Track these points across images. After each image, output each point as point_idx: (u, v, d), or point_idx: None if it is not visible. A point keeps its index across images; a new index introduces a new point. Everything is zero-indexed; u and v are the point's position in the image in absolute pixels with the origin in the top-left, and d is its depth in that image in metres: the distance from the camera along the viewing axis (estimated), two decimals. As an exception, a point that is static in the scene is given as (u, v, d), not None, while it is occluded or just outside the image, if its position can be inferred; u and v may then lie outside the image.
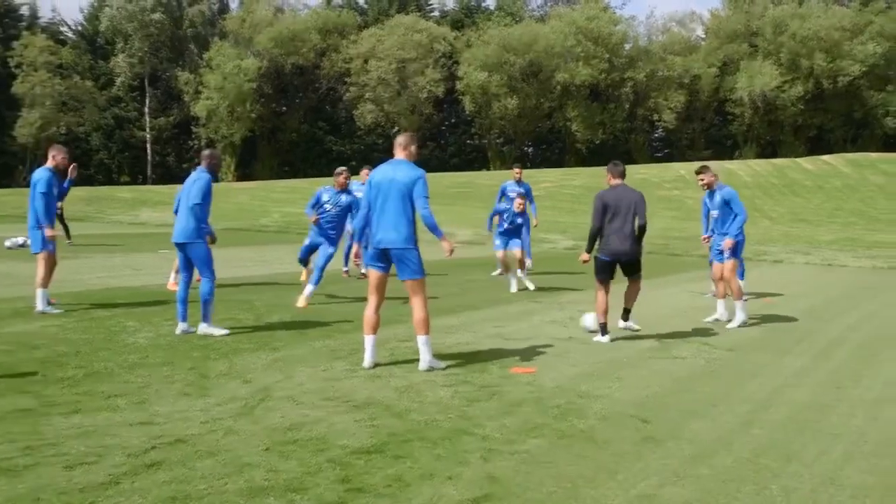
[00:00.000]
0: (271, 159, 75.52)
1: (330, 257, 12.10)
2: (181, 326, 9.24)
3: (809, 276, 18.43)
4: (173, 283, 13.26)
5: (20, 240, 20.81)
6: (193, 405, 6.25)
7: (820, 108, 70.54)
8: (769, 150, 72.04)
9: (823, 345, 9.71)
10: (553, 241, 26.85)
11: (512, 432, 5.74)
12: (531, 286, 14.36)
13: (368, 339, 7.72)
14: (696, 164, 48.25)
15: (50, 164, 10.96)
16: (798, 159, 56.62)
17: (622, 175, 9.49)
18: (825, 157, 55.69)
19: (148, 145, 75.27)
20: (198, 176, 9.27)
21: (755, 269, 19.04)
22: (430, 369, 7.56)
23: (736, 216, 10.90)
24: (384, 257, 7.59)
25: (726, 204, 10.99)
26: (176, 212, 9.71)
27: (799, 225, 35.44)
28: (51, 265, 10.90)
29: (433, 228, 7.52)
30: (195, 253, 9.19)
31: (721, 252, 11.08)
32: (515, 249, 14.38)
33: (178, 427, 5.67)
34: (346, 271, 15.69)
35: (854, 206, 40.44)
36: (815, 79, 68.71)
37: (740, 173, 49.09)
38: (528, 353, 8.60)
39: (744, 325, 10.81)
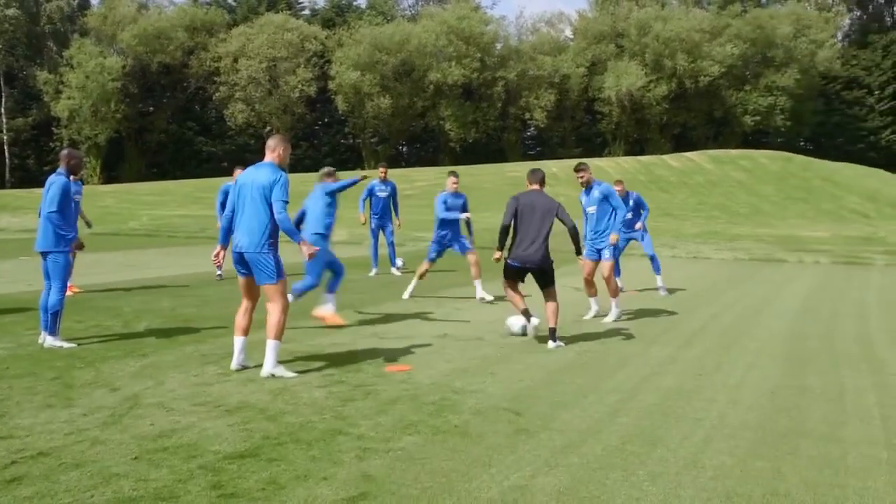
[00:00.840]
0: (138, 161, 73.29)
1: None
2: (43, 336, 8.88)
3: (675, 269, 19.13)
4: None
5: None
6: (57, 416, 6.03)
7: (683, 106, 73.33)
8: (637, 147, 74.39)
9: (688, 334, 10.11)
10: (427, 239, 26.99)
11: (387, 430, 5.77)
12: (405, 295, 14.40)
13: (237, 341, 7.62)
14: (569, 162, 49.01)
15: None
16: (664, 156, 58.75)
17: (541, 182, 9.38)
18: (689, 154, 57.96)
19: (5, 147, 71.90)
20: (53, 180, 8.88)
21: (625, 262, 19.64)
22: (272, 377, 7.31)
23: (615, 211, 11.02)
24: (243, 261, 7.48)
25: (605, 199, 11.03)
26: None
27: (665, 219, 36.74)
28: None
29: (290, 233, 7.42)
30: (53, 262, 8.81)
31: (599, 251, 11.13)
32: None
33: (41, 440, 5.47)
34: (220, 275, 15.40)
35: (716, 201, 42.21)
36: (678, 79, 71.38)
37: (609, 170, 50.51)
38: (404, 352, 8.65)
39: (618, 319, 11.14)
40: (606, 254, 11.07)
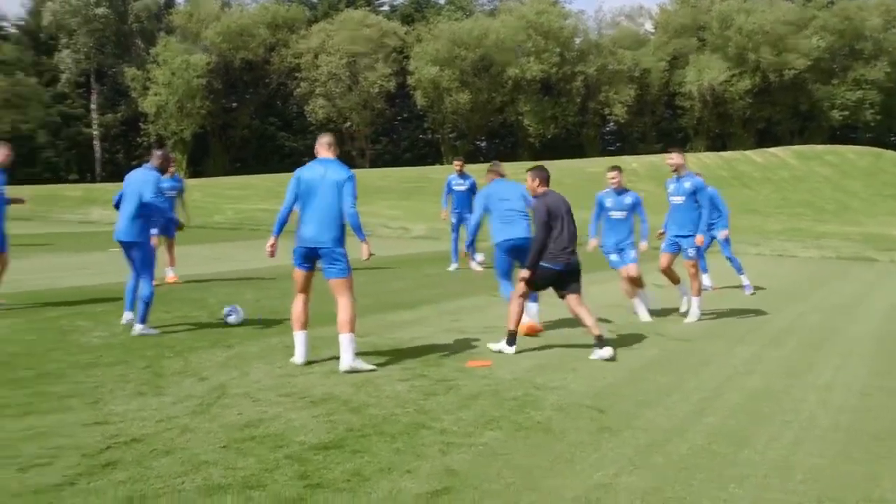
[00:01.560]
0: (222, 156, 74.76)
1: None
2: (126, 316, 9.39)
3: (760, 267, 18.72)
4: (173, 276, 13.91)
5: None
6: (149, 404, 6.19)
7: (767, 101, 71.66)
8: (719, 142, 73.05)
9: (774, 333, 9.89)
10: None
11: (469, 425, 5.78)
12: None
13: (300, 336, 7.66)
14: (650, 158, 48.40)
15: None
16: (747, 151, 57.50)
17: (548, 181, 9.02)
18: (773, 150, 56.63)
19: (96, 142, 74.09)
20: (143, 174, 9.24)
21: (707, 258, 19.32)
22: (352, 370, 7.34)
23: (701, 209, 10.52)
24: (310, 255, 7.55)
25: (693, 193, 10.55)
26: (116, 206, 9.55)
27: (748, 216, 35.99)
28: (2, 264, 10.85)
29: (358, 229, 7.51)
30: (140, 253, 9.18)
31: (679, 245, 10.64)
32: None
33: (134, 426, 5.62)
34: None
35: (801, 197, 41.18)
36: (762, 72, 69.77)
37: (690, 166, 49.66)
38: (485, 347, 8.64)
39: (699, 319, 10.80)
40: (691, 252, 10.58)
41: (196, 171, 70.98)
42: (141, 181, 9.20)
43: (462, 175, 16.59)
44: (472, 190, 16.74)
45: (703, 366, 7.91)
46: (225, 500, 4.34)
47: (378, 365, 7.59)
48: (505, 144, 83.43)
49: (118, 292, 12.41)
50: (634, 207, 10.79)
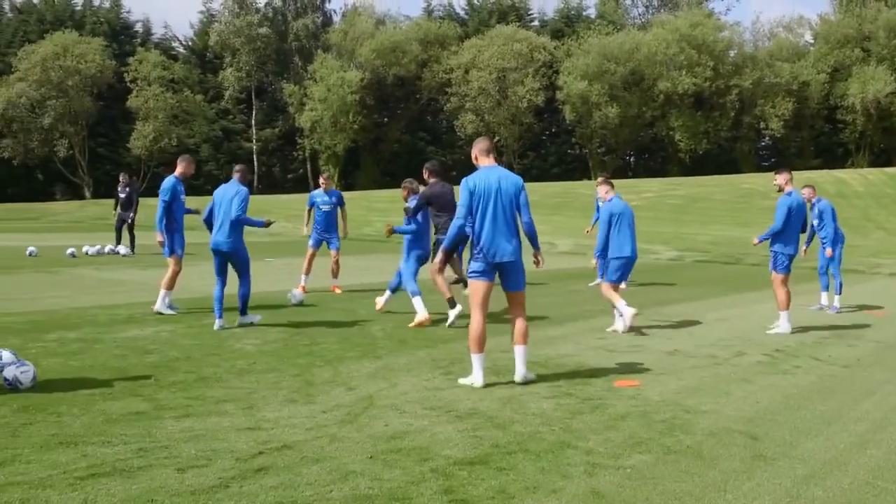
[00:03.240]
0: (373, 169, 76.56)
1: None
2: (217, 323, 10.12)
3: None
4: (302, 286, 14.34)
5: (104, 248, 22.04)
6: (299, 411, 6.34)
7: (937, 114, 67.74)
8: (883, 158, 69.48)
9: (945, 362, 9.26)
10: (656, 251, 26.40)
11: (616, 446, 5.64)
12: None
13: (479, 359, 7.41)
14: (806, 174, 46.69)
15: (178, 172, 11.58)
16: (914, 168, 54.45)
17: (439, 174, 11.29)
18: (943, 166, 53.38)
19: (254, 156, 77.23)
20: (237, 189, 10.27)
21: (868, 281, 18.37)
22: (525, 381, 7.45)
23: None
24: (499, 268, 7.40)
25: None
26: (206, 221, 10.60)
27: (916, 236, 34.01)
28: (176, 270, 11.57)
29: (534, 237, 7.52)
30: (238, 260, 10.32)
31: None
32: None
33: (285, 433, 5.76)
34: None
35: (975, 217, 38.59)
36: (932, 84, 66.02)
37: (852, 182, 47.42)
38: (632, 366, 8.46)
39: (785, 332, 10.82)
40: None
41: (347, 183, 72.89)
42: (231, 196, 9.90)
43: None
44: None
45: (866, 395, 7.48)
46: (371, 511, 4.38)
47: (524, 382, 7.53)
48: (655, 160, 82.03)
49: (273, 300, 12.88)
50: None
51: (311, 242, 14.79)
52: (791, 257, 10.97)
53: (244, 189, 10.24)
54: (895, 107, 66.39)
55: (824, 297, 13.64)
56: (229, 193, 10.18)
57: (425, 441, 5.65)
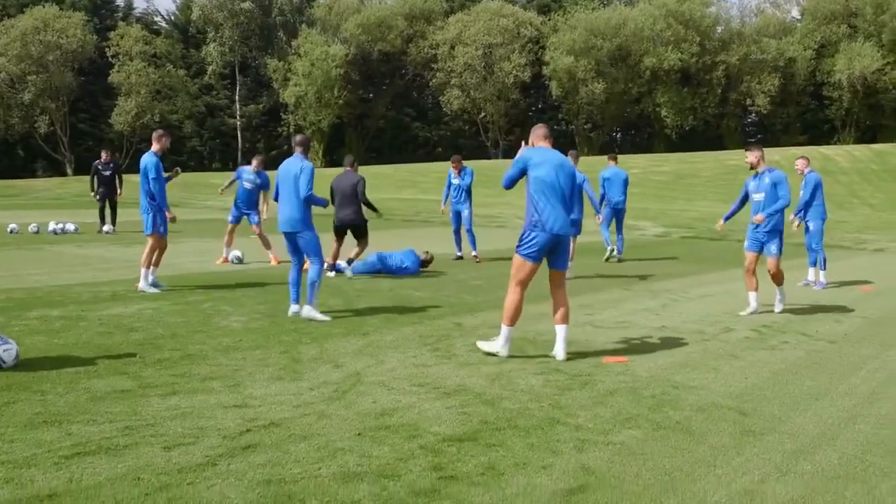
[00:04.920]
0: (358, 145, 76.26)
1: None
2: (293, 308, 9.57)
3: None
4: (225, 258, 15.27)
5: (68, 225, 21.74)
6: (286, 389, 6.32)
7: (924, 90, 67.92)
8: (869, 134, 69.74)
9: (931, 337, 9.31)
10: (642, 227, 26.44)
11: (605, 422, 5.64)
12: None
13: (508, 332, 7.59)
14: (794, 151, 46.83)
15: (155, 148, 11.39)
16: (900, 144, 54.64)
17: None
18: (929, 142, 53.60)
19: (238, 132, 76.81)
20: (301, 165, 9.49)
21: (854, 257, 18.44)
22: (566, 359, 7.54)
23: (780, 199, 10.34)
24: (553, 244, 7.51)
25: (774, 187, 10.33)
26: (276, 198, 9.83)
27: (901, 213, 34.19)
28: (161, 247, 11.46)
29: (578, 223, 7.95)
30: (304, 240, 9.51)
31: (762, 242, 10.53)
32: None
33: (272, 410, 5.74)
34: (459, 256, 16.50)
35: (960, 193, 38.86)
36: (919, 60, 66.17)
37: (838, 159, 47.62)
38: (620, 342, 8.47)
39: (783, 309, 10.71)
40: (773, 248, 10.49)
41: (332, 160, 72.61)
42: (295, 173, 9.39)
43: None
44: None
45: (853, 370, 7.51)
46: (360, 488, 4.36)
47: (512, 357, 7.53)
48: (641, 136, 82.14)
49: (260, 277, 12.85)
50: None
51: (230, 218, 15.60)
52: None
53: (308, 164, 9.54)
54: (881, 83, 66.55)
55: (811, 273, 13.67)
56: (293, 170, 9.53)
57: (414, 418, 5.63)
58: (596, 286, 13.01)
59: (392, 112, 79.03)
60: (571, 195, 7.64)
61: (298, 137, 9.89)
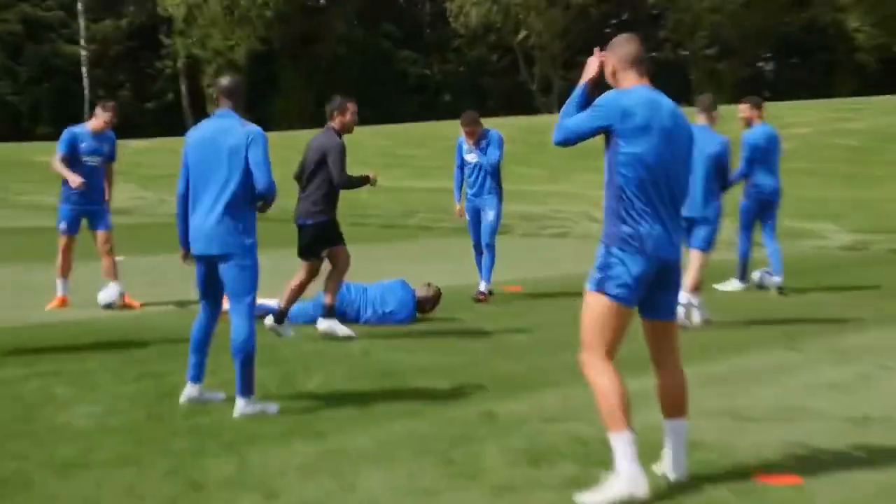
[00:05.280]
0: (301, 92, 76.62)
1: None
2: (190, 391, 9.69)
3: None
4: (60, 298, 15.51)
5: None
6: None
7: None
8: None
9: None
10: (819, 234, 26.45)
11: None
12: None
13: (627, 441, 7.25)
14: None
15: None
16: None
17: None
18: None
19: (83, 69, 77.14)
20: (244, 131, 9.65)
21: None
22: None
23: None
24: (650, 278, 7.45)
25: None
26: (182, 197, 9.88)
27: None
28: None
29: None
30: (235, 272, 9.61)
31: None
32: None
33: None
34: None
35: None
36: None
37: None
38: (786, 446, 8.43)
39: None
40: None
41: (256, 118, 72.51)
42: (229, 148, 9.44)
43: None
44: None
45: None
46: None
47: (584, 475, 7.46)
48: (811, 66, 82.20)
49: (127, 332, 12.84)
50: None
51: (61, 225, 15.58)
52: None
53: (255, 129, 9.78)
54: None
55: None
56: (225, 142, 9.42)
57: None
58: (737, 343, 12.97)
59: (359, 31, 79.36)
60: (685, 185, 7.66)
61: (224, 81, 9.91)
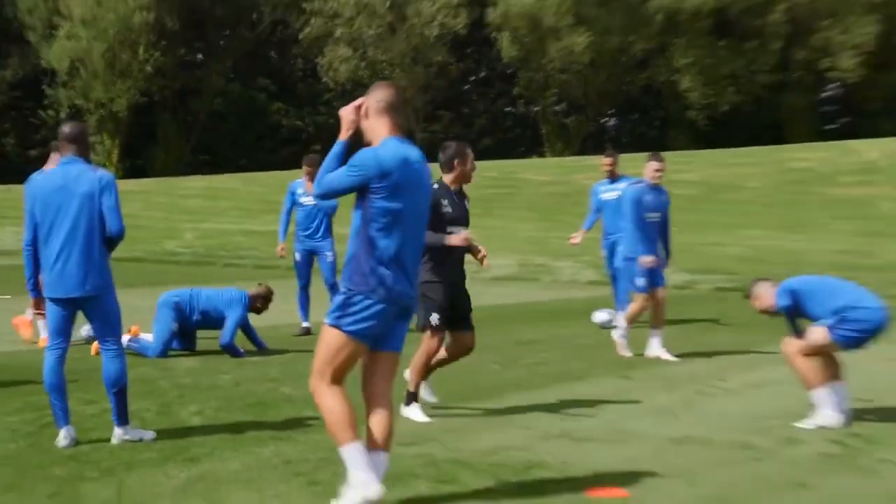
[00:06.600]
0: (179, 142, 75.90)
1: None
2: (65, 436, 9.26)
3: None
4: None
5: None
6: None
7: None
8: None
9: None
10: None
11: None
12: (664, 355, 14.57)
13: (359, 450, 7.24)
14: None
15: None
16: None
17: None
18: None
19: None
20: (96, 176, 9.35)
21: None
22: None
23: None
24: (389, 317, 7.43)
25: None
26: (29, 244, 9.73)
27: None
28: None
29: None
30: (104, 310, 9.49)
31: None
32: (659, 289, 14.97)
33: None
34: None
35: None
36: None
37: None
38: (615, 464, 8.63)
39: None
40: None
41: (136, 166, 72.10)
42: (84, 194, 9.28)
43: (614, 179, 17.09)
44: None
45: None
46: None
47: (436, 494, 7.61)
48: (649, 123, 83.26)
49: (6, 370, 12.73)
50: None
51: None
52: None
53: (106, 175, 9.44)
54: None
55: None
56: (78, 189, 9.21)
57: None
58: (576, 373, 13.22)
59: (235, 84, 78.92)
60: (423, 234, 7.71)
61: (67, 128, 9.57)
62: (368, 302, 7.11)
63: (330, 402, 7.22)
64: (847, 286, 10.68)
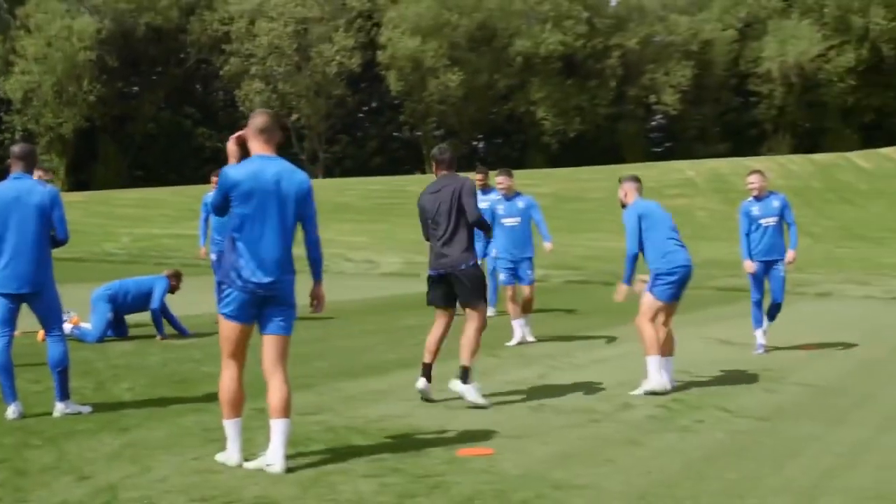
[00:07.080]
0: (117, 160, 74.87)
1: None
2: (14, 410, 9.10)
3: (868, 315, 18.69)
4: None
5: None
6: (5, 514, 6.13)
7: (879, 83, 71.43)
8: (808, 141, 73.09)
9: (890, 410, 9.83)
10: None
11: (462, 541, 5.71)
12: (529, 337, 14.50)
13: (233, 425, 7.49)
14: (709, 164, 48.72)
15: None
16: (849, 154, 57.58)
17: (450, 164, 10.67)
18: (886, 151, 56.72)
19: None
20: (43, 190, 9.30)
21: (792, 303, 19.33)
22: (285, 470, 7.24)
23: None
24: (258, 302, 7.52)
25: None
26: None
27: (852, 243, 36.03)
28: None
29: (318, 263, 7.88)
30: (46, 303, 9.42)
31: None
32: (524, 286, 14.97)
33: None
34: None
35: (925, 218, 41.17)
36: (871, 43, 69.76)
37: (769, 174, 49.69)
38: (483, 428, 8.61)
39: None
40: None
41: (80, 180, 70.95)
42: (36, 205, 9.18)
43: (486, 190, 17.03)
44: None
45: (789, 456, 7.84)
46: None
47: (333, 455, 7.52)
48: (511, 146, 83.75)
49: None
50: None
51: None
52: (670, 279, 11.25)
53: (51, 189, 9.49)
54: (824, 74, 69.84)
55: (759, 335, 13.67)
56: (30, 200, 9.10)
57: (192, 546, 5.56)
58: (451, 353, 13.17)
59: (167, 112, 78.00)
60: (292, 226, 7.69)
61: (16, 148, 9.59)
62: (230, 290, 7.36)
63: (222, 380, 7.53)
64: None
